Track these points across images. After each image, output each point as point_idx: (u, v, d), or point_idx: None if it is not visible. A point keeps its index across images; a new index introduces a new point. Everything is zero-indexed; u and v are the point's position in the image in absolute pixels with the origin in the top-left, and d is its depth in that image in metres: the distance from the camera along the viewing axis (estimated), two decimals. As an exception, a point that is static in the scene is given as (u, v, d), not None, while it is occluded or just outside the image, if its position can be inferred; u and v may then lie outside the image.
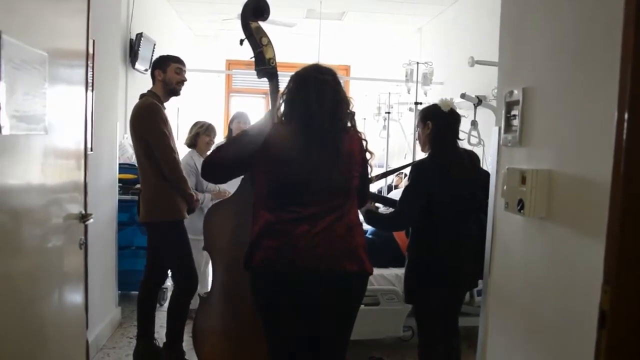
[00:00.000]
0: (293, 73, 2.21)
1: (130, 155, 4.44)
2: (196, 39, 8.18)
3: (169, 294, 3.61)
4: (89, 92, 3.02)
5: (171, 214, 3.29)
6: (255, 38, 2.42)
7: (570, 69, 1.40)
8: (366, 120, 6.60)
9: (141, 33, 4.82)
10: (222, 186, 4.39)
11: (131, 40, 4.81)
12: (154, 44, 5.15)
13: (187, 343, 3.37)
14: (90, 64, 3.02)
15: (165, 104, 3.41)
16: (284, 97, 2.18)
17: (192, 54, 7.55)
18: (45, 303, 2.08)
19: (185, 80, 3.44)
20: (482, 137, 4.28)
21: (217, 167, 2.24)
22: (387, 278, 3.65)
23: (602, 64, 1.24)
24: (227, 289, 2.58)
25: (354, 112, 2.22)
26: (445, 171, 2.70)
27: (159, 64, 3.39)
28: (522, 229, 1.62)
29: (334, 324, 2.17)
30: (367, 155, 2.23)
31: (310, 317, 2.12)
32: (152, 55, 4.97)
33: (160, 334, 3.60)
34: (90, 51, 2.99)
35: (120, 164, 4.28)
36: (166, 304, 3.70)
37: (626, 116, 1.06)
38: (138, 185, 3.67)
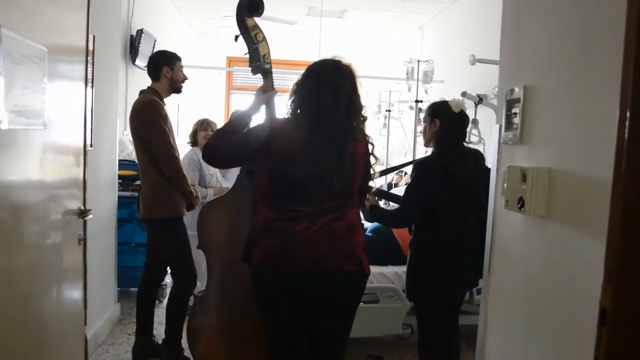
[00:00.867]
0: (312, 64, 2.16)
1: (130, 152, 4.44)
2: (197, 36, 8.16)
3: (168, 290, 3.61)
4: (89, 88, 3.01)
5: (170, 211, 3.29)
6: (250, 34, 2.39)
7: (571, 67, 1.40)
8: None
9: (142, 29, 4.81)
10: (225, 183, 4.40)
11: (131, 36, 4.80)
12: (155, 41, 5.15)
13: (185, 340, 3.36)
14: (90, 60, 3.01)
15: (166, 100, 3.40)
16: (296, 90, 2.13)
17: (193, 51, 7.54)
18: (44, 299, 2.08)
19: (187, 78, 3.46)
20: (482, 136, 4.28)
21: (218, 156, 2.21)
22: (386, 276, 3.65)
23: (604, 62, 1.24)
24: (221, 288, 2.58)
25: (366, 118, 2.20)
26: (448, 170, 2.69)
27: (166, 60, 3.36)
28: (522, 227, 1.61)
29: (332, 323, 2.16)
30: (372, 159, 2.21)
31: (308, 316, 2.11)
32: (153, 52, 4.96)
33: (159, 331, 3.60)
34: (90, 47, 2.98)
35: (120, 161, 4.28)
36: (165, 301, 3.70)
37: (628, 114, 1.06)
38: (138, 182, 3.67)
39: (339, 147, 2.05)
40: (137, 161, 3.45)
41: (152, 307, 3.57)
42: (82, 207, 2.40)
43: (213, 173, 4.29)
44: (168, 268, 3.61)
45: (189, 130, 4.53)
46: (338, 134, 2.05)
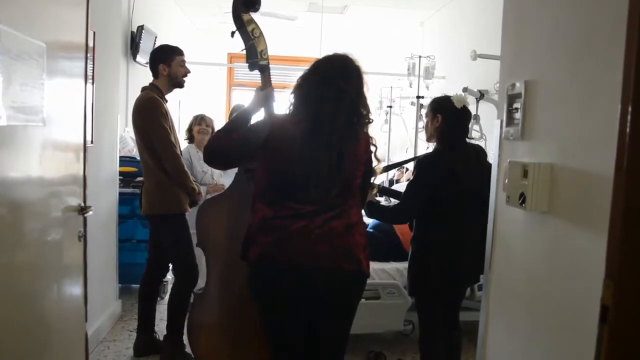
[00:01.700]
0: (320, 59, 2.12)
1: (131, 148, 4.44)
2: (197, 32, 8.15)
3: (170, 287, 3.61)
4: (90, 85, 3.01)
5: (173, 207, 3.29)
6: (247, 30, 2.36)
7: (573, 62, 1.39)
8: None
9: (142, 26, 4.80)
10: (221, 180, 4.40)
11: (132, 32, 4.79)
12: (155, 37, 5.14)
13: (186, 336, 3.37)
14: (90, 56, 3.01)
15: (167, 97, 3.40)
16: (300, 85, 2.09)
17: (194, 47, 7.52)
18: (44, 296, 2.08)
19: (189, 72, 3.43)
20: (484, 132, 4.27)
21: (218, 155, 2.15)
22: (387, 272, 3.64)
23: (606, 57, 1.23)
24: (220, 285, 2.57)
25: (372, 121, 2.15)
26: (450, 167, 2.68)
27: (162, 57, 3.35)
28: (524, 223, 1.61)
29: (331, 322, 2.14)
30: (374, 161, 2.18)
31: (307, 315, 2.10)
32: (154, 48, 4.96)
33: (161, 327, 3.60)
34: (91, 43, 2.98)
35: (121, 157, 4.27)
36: (167, 297, 3.71)
37: (630, 109, 1.05)
38: (139, 178, 3.66)
39: (338, 146, 2.01)
40: (139, 158, 3.45)
41: (154, 304, 3.57)
42: (83, 204, 2.39)
43: (206, 170, 4.27)
44: (170, 265, 3.62)
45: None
46: (338, 135, 2.01)
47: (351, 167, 2.06)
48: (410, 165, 5.22)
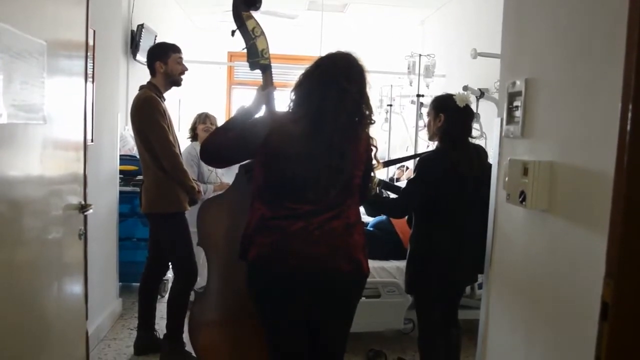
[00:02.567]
0: (323, 57, 2.09)
1: (131, 147, 4.43)
2: (197, 31, 8.15)
3: (170, 285, 3.61)
4: (90, 83, 3.01)
5: (172, 206, 3.29)
6: (247, 29, 2.33)
7: (573, 60, 1.39)
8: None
9: (142, 24, 4.80)
10: (225, 179, 4.40)
11: (132, 31, 4.79)
12: (155, 36, 5.13)
13: (187, 334, 3.37)
14: (90, 55, 3.01)
15: (166, 95, 3.40)
16: (301, 82, 2.06)
17: (194, 46, 7.52)
18: (45, 294, 2.08)
19: (186, 69, 3.42)
20: (484, 130, 4.27)
21: (215, 153, 2.13)
22: (387, 270, 3.65)
23: (606, 55, 1.23)
24: (221, 284, 2.56)
25: (374, 122, 2.12)
26: (452, 166, 2.67)
27: (159, 55, 3.35)
28: (524, 221, 1.61)
29: (330, 322, 2.13)
30: (374, 162, 2.16)
31: (306, 315, 2.08)
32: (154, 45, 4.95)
33: (161, 326, 3.60)
34: (91, 42, 2.98)
35: (121, 156, 4.28)
36: (167, 296, 3.70)
37: (630, 107, 1.05)
38: (139, 177, 3.66)
39: (339, 146, 1.98)
40: (138, 156, 3.44)
41: (154, 302, 3.58)
42: (83, 202, 2.40)
43: (212, 169, 4.27)
44: (170, 263, 3.62)
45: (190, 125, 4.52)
46: (339, 135, 1.99)
47: (351, 167, 2.04)
48: (411, 164, 5.23)
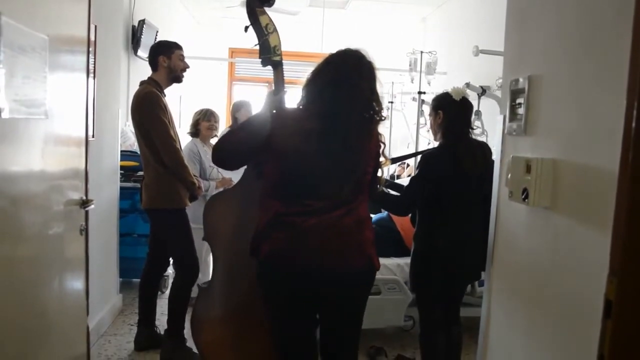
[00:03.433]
0: (333, 54, 2.09)
1: (132, 143, 4.43)
2: (199, 27, 8.14)
3: (171, 281, 3.61)
4: (91, 79, 3.00)
5: (172, 202, 3.29)
6: (261, 25, 2.32)
7: (577, 57, 1.38)
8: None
9: (143, 20, 4.79)
10: (227, 174, 4.39)
11: (133, 27, 4.78)
12: (157, 31, 5.13)
13: (188, 330, 3.37)
14: (92, 50, 3.00)
15: (167, 91, 3.39)
16: (313, 79, 2.06)
17: (195, 42, 7.52)
18: (46, 289, 2.08)
19: (188, 67, 3.42)
20: (485, 128, 4.26)
21: (227, 153, 2.14)
22: (388, 268, 3.64)
23: (610, 51, 1.22)
24: (227, 280, 2.56)
25: (384, 118, 2.15)
26: (455, 162, 2.67)
27: (163, 50, 3.35)
28: (526, 218, 1.60)
29: (342, 317, 2.15)
30: (382, 158, 2.18)
31: (318, 310, 2.11)
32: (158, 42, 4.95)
33: (162, 321, 3.61)
34: (92, 37, 2.97)
35: (122, 151, 4.27)
36: (168, 292, 3.71)
37: (635, 104, 1.04)
38: (140, 173, 3.66)
39: (353, 143, 2.01)
40: (139, 152, 3.44)
41: (155, 298, 3.58)
42: (84, 198, 2.39)
43: (214, 165, 4.26)
44: (170, 259, 3.62)
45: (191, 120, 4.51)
46: (353, 132, 2.02)
47: (364, 164, 2.06)
48: (411, 161, 5.22)
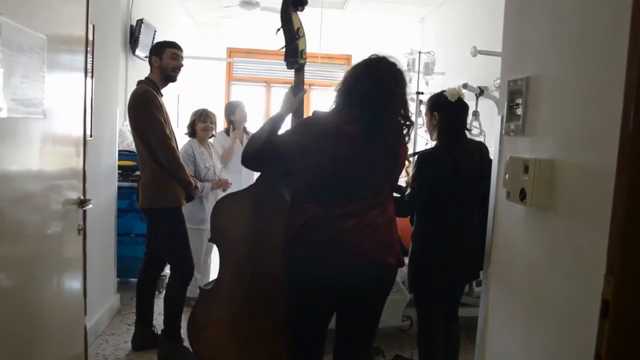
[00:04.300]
0: (368, 60, 2.14)
1: (130, 142, 4.41)
2: (197, 27, 8.13)
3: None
4: (89, 78, 3.00)
5: (168, 201, 3.28)
6: (293, 28, 2.33)
7: (575, 57, 1.39)
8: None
9: (142, 19, 4.78)
10: (224, 176, 4.39)
11: (132, 26, 4.77)
12: (155, 31, 5.12)
13: (185, 330, 3.37)
14: (90, 50, 3.00)
15: (164, 91, 3.39)
16: (351, 84, 2.10)
17: (193, 42, 7.51)
18: (43, 289, 2.08)
19: (181, 65, 3.40)
20: (483, 128, 4.26)
21: (254, 155, 2.19)
22: (386, 268, 3.63)
23: (608, 53, 1.23)
24: (233, 283, 2.52)
25: (413, 124, 2.24)
26: (451, 162, 2.67)
27: (154, 50, 3.38)
28: (524, 218, 1.61)
29: (369, 313, 2.19)
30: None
31: (347, 311, 2.16)
32: (153, 42, 4.94)
33: (159, 321, 3.60)
34: (90, 37, 2.97)
35: (120, 151, 4.27)
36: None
37: (633, 105, 1.05)
38: (138, 172, 3.66)
39: (393, 147, 2.11)
40: (136, 151, 3.44)
41: (152, 298, 3.57)
42: (82, 197, 2.39)
43: (209, 166, 4.25)
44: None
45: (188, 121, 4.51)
46: (394, 138, 2.12)
47: (401, 167, 2.19)
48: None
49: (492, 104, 4.03)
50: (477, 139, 3.55)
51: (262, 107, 8.44)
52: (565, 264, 1.38)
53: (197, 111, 4.40)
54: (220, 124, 5.09)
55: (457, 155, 2.69)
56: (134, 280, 3.72)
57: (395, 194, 2.75)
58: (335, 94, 2.14)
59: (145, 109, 3.19)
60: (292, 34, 2.33)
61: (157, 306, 3.68)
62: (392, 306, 3.55)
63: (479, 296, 2.05)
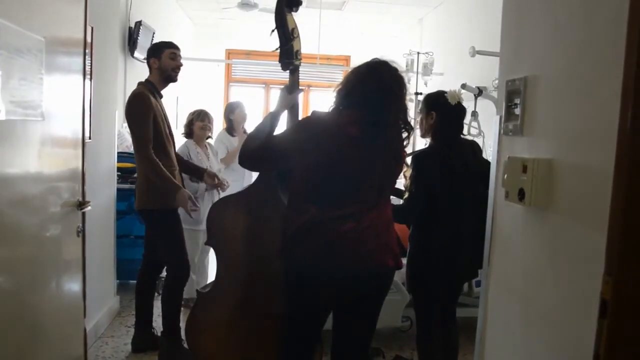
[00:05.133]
0: (370, 63, 2.13)
1: (129, 144, 4.41)
2: (196, 28, 8.14)
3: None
4: (88, 80, 3.00)
5: (162, 202, 3.27)
6: (288, 29, 2.31)
7: (572, 57, 1.39)
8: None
9: (140, 21, 4.79)
10: (221, 176, 4.38)
11: (130, 28, 4.78)
12: (153, 33, 5.12)
13: (185, 334, 3.36)
14: (88, 52, 3.00)
15: (164, 92, 3.39)
16: (353, 86, 2.09)
17: (192, 43, 7.52)
18: (43, 291, 2.08)
19: (180, 65, 3.40)
20: (482, 128, 4.26)
21: (251, 155, 2.18)
22: (385, 268, 3.63)
23: (605, 52, 1.23)
24: (231, 286, 2.51)
25: (413, 127, 2.25)
26: (446, 162, 2.67)
27: (152, 52, 3.37)
28: (523, 218, 1.61)
29: (364, 317, 2.19)
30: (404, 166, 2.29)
31: (345, 312, 2.16)
32: (151, 44, 4.95)
33: (159, 323, 3.59)
34: (89, 39, 2.97)
35: (119, 153, 4.27)
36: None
37: (630, 104, 1.05)
38: (136, 174, 3.66)
39: (395, 149, 2.12)
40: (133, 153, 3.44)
41: (151, 300, 3.57)
42: (81, 199, 2.39)
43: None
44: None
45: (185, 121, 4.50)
46: (395, 140, 2.13)
47: (399, 168, 2.20)
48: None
49: (491, 104, 4.04)
50: (476, 139, 3.55)
51: (261, 108, 8.46)
52: (564, 264, 1.38)
53: (195, 111, 4.40)
54: (219, 125, 5.10)
55: (453, 155, 2.69)
56: (134, 282, 3.72)
57: (394, 201, 2.75)
58: (335, 94, 2.12)
59: (133, 111, 3.22)
60: (287, 35, 2.32)
61: (157, 308, 3.67)
62: (392, 307, 3.55)
63: (478, 296, 2.05)
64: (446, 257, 2.68)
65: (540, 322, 1.50)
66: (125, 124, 4.38)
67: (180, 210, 3.40)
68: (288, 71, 2.38)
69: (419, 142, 5.22)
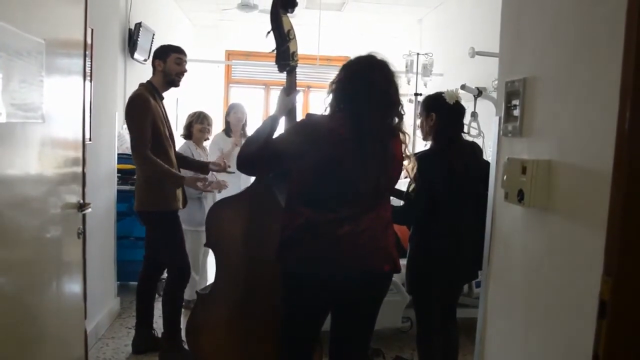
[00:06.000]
0: (347, 62, 2.13)
1: (129, 146, 4.41)
2: (195, 29, 8.14)
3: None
4: (88, 82, 3.00)
5: (162, 204, 3.28)
6: (283, 31, 2.31)
7: (572, 58, 1.39)
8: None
9: (140, 23, 4.79)
10: (219, 177, 4.38)
11: (130, 30, 4.78)
12: (153, 34, 5.13)
13: (185, 336, 3.37)
14: (88, 54, 3.00)
15: (164, 94, 3.40)
16: (334, 89, 2.09)
17: (192, 45, 7.51)
18: (43, 292, 2.08)
19: (185, 71, 3.40)
20: (482, 129, 4.27)
21: (249, 159, 2.16)
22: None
23: (605, 53, 1.23)
24: (229, 287, 2.51)
25: (404, 113, 2.17)
26: (447, 163, 2.67)
27: (160, 53, 3.36)
28: (522, 219, 1.61)
29: (361, 319, 2.19)
30: (405, 162, 2.20)
31: (342, 314, 2.16)
32: (152, 45, 4.95)
33: (159, 324, 3.60)
34: (89, 40, 2.98)
35: (119, 154, 4.27)
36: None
37: (629, 105, 1.05)
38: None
39: (389, 148, 2.07)
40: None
41: (152, 301, 3.57)
42: (81, 201, 2.40)
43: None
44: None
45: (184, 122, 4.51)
46: (387, 139, 2.07)
47: (396, 168, 2.14)
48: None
49: (491, 104, 4.05)
50: (475, 140, 3.56)
51: (261, 109, 8.46)
52: (563, 264, 1.39)
53: (194, 113, 4.42)
54: (219, 127, 5.10)
55: (453, 156, 2.69)
56: (134, 283, 3.73)
57: (394, 202, 2.74)
58: (328, 95, 2.11)
59: (131, 113, 3.23)
60: (283, 36, 2.31)
61: (157, 309, 3.68)
62: (392, 307, 3.55)
63: (478, 297, 2.05)
64: (446, 258, 2.68)
65: (540, 323, 1.50)
66: (125, 126, 4.39)
67: (184, 211, 3.40)
68: (285, 73, 2.38)
69: (419, 143, 5.23)
